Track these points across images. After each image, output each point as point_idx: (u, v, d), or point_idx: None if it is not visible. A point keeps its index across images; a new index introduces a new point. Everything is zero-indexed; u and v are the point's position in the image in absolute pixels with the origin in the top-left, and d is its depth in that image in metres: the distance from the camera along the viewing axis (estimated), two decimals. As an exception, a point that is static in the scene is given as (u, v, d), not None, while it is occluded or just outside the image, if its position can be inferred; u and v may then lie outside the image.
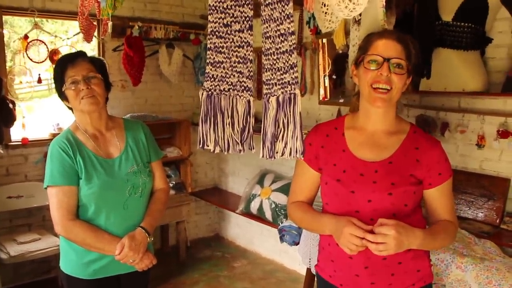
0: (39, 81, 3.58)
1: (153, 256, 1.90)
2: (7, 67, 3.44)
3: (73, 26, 4.32)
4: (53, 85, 1.93)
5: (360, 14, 1.80)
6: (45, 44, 3.49)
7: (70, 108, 1.92)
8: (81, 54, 1.90)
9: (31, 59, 3.46)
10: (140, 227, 1.87)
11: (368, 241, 1.35)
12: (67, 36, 3.83)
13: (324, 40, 3.44)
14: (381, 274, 1.49)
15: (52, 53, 3.51)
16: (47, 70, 4.03)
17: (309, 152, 1.60)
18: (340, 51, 3.17)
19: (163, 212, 2.03)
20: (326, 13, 1.66)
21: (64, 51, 3.63)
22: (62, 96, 1.87)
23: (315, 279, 2.96)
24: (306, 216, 1.61)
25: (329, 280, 1.61)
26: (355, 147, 1.54)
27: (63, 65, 1.84)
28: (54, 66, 1.94)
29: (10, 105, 3.28)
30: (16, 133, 3.53)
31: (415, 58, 1.50)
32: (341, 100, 3.44)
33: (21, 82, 3.70)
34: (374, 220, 1.42)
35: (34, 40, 3.44)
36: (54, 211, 1.79)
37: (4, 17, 3.40)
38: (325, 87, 3.56)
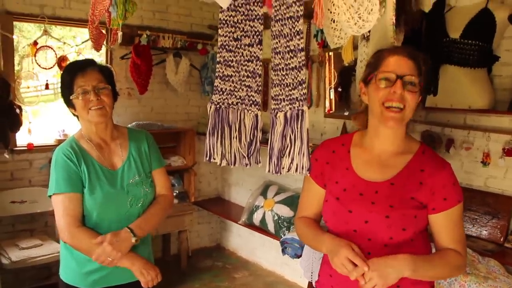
0: (47, 87, 3.60)
1: (158, 271, 1.82)
2: (15, 71, 3.47)
3: (81, 32, 4.36)
4: (60, 91, 1.91)
5: (369, 31, 1.80)
6: (53, 50, 3.51)
7: (76, 116, 1.90)
8: (91, 63, 1.86)
9: (39, 65, 3.48)
10: (127, 227, 1.79)
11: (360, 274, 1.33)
12: (75, 42, 3.87)
13: (331, 53, 3.45)
14: None
15: (61, 60, 3.53)
16: (54, 76, 4.06)
17: (315, 168, 1.57)
18: (347, 64, 3.18)
19: (160, 217, 1.93)
20: (335, 29, 1.66)
21: (72, 57, 3.66)
22: (69, 103, 1.84)
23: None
24: (308, 232, 1.59)
25: None
26: (359, 165, 1.51)
27: (72, 73, 1.81)
28: (62, 72, 1.89)
29: (17, 110, 3.30)
30: (22, 138, 3.54)
31: (425, 75, 1.45)
32: (346, 113, 3.44)
33: (28, 87, 3.72)
34: (371, 240, 1.41)
35: (43, 46, 3.47)
36: (60, 219, 1.76)
37: (14, 22, 3.43)
38: (330, 100, 3.57)
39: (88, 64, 1.85)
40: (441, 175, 1.44)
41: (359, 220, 1.43)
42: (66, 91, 1.82)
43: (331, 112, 3.56)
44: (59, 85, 1.92)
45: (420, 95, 1.45)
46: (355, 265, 1.33)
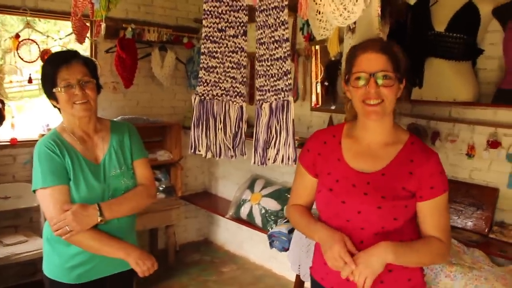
0: (30, 81, 3.54)
1: (154, 260, 1.80)
2: (-3, 66, 3.41)
3: (66, 26, 4.29)
4: (41, 82, 1.84)
5: (354, 23, 1.80)
6: (36, 43, 3.45)
7: (57, 108, 1.85)
8: (75, 55, 1.80)
9: (22, 59, 3.41)
10: (97, 204, 1.75)
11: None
12: (59, 36, 3.81)
13: (317, 47, 3.45)
14: None
15: (44, 53, 3.47)
16: (37, 72, 4.00)
17: (307, 158, 1.60)
18: (333, 58, 3.18)
19: (134, 204, 1.86)
20: (320, 20, 1.65)
21: (56, 51, 3.60)
22: (51, 96, 1.79)
23: (304, 285, 2.97)
24: (301, 220, 1.62)
25: (321, 283, 1.62)
26: (350, 157, 1.54)
27: (55, 64, 1.75)
28: (43, 63, 1.82)
29: (0, 105, 3.24)
30: (5, 133, 3.48)
31: (404, 62, 1.48)
32: (333, 107, 3.45)
33: (11, 82, 3.66)
34: (364, 229, 1.45)
35: (25, 39, 3.41)
36: (51, 212, 1.71)
37: (-4, 16, 3.38)
38: (317, 94, 3.57)
39: (72, 56, 1.79)
40: (429, 165, 1.49)
41: (352, 210, 1.47)
42: (48, 83, 1.76)
43: (317, 106, 3.57)
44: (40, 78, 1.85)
45: (400, 85, 1.47)
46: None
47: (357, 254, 1.40)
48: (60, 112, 1.87)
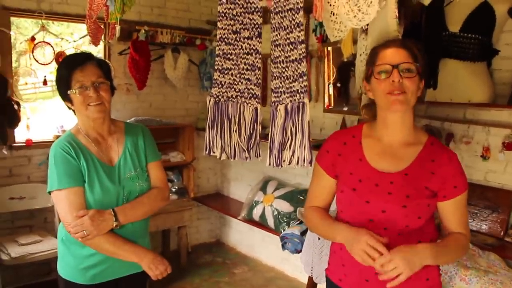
0: (45, 83, 3.58)
1: (168, 264, 1.82)
2: (12, 68, 3.45)
3: (79, 28, 4.34)
4: (56, 84, 1.87)
5: (368, 24, 1.79)
6: (51, 46, 3.49)
7: (72, 110, 1.87)
8: (90, 57, 1.82)
9: (37, 61, 3.46)
10: (111, 209, 1.77)
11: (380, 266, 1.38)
12: (72, 38, 3.85)
13: (330, 48, 3.44)
14: (391, 279, 1.46)
15: (58, 55, 3.50)
16: (51, 73, 4.03)
17: (326, 159, 1.61)
18: (346, 60, 3.17)
19: (148, 207, 1.87)
20: (335, 22, 1.65)
21: (70, 53, 3.64)
22: (66, 97, 1.81)
23: (317, 287, 2.96)
24: (322, 222, 1.62)
25: (339, 284, 1.62)
26: (372, 156, 1.55)
27: (70, 67, 1.77)
28: (58, 66, 1.83)
29: (15, 106, 3.28)
30: (20, 134, 3.53)
31: (422, 59, 1.51)
32: (345, 109, 3.44)
33: (26, 83, 3.70)
34: (387, 229, 1.46)
35: (40, 42, 3.45)
36: (66, 214, 1.74)
37: (11, 19, 3.41)
38: (329, 95, 3.56)
39: (86, 58, 1.81)
40: (451, 165, 1.52)
41: (376, 210, 1.48)
42: (63, 85, 1.78)
43: (330, 107, 3.56)
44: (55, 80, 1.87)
45: (420, 79, 1.50)
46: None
47: (398, 248, 1.38)
48: (75, 114, 1.88)
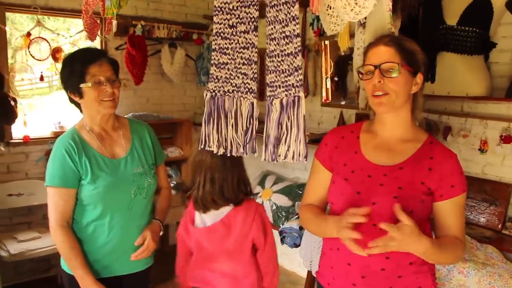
0: (41, 79, 3.57)
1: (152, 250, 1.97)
2: (8, 64, 3.43)
3: (75, 24, 4.31)
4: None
5: (365, 18, 1.78)
6: (47, 41, 3.47)
7: (77, 104, 1.88)
8: (103, 54, 1.88)
9: (33, 57, 3.44)
10: (156, 220, 1.96)
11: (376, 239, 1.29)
12: (69, 33, 3.83)
13: (327, 42, 3.43)
14: (379, 286, 1.45)
15: (55, 51, 3.50)
16: (48, 69, 4.02)
17: (324, 152, 1.61)
18: (343, 53, 3.16)
19: (166, 204, 2.12)
20: (331, 15, 1.65)
21: (67, 49, 3.62)
22: (75, 91, 1.81)
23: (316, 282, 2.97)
24: (314, 219, 1.59)
25: None
26: (368, 150, 1.54)
27: (86, 61, 1.79)
28: (70, 59, 1.84)
29: (12, 102, 3.27)
30: (17, 131, 3.52)
31: (418, 56, 1.47)
32: (343, 102, 3.43)
33: (22, 79, 3.69)
34: (376, 225, 1.36)
35: (36, 37, 3.43)
36: (50, 211, 1.82)
37: (6, 14, 3.39)
38: (327, 89, 3.56)
39: (101, 54, 1.87)
40: (450, 163, 1.47)
41: (367, 201, 1.43)
42: (76, 79, 1.78)
43: (327, 101, 3.55)
44: (59, 74, 1.89)
45: (414, 75, 1.46)
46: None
47: (414, 225, 1.28)
48: (79, 108, 1.90)
